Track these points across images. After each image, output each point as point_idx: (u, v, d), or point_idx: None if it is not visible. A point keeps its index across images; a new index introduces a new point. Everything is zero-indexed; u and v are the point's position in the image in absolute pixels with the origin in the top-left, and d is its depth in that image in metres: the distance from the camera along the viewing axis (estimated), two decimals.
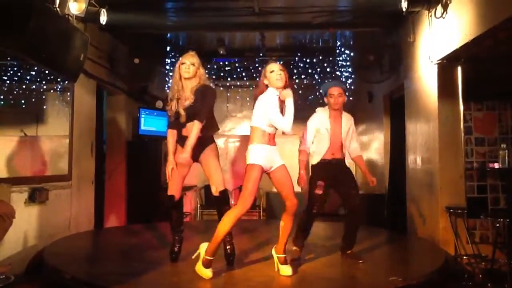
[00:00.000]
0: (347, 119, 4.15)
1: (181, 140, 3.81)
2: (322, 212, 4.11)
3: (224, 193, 3.82)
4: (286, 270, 3.44)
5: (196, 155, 3.79)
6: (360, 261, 3.90)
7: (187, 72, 3.75)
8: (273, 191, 7.34)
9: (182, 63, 3.78)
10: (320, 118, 4.10)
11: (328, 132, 4.04)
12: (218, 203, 3.85)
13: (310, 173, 4.18)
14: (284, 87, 3.48)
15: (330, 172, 4.02)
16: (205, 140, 3.80)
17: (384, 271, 3.78)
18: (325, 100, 4.13)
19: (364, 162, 4.36)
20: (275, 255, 3.54)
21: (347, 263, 3.93)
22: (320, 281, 3.46)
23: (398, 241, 5.43)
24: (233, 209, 3.41)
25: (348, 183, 4.05)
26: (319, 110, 4.17)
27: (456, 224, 4.71)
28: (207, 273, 3.32)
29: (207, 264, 3.33)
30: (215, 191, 3.81)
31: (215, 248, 3.35)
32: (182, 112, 3.75)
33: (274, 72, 3.45)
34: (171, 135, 3.93)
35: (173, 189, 3.88)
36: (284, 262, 3.48)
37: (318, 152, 4.09)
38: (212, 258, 3.34)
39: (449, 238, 4.75)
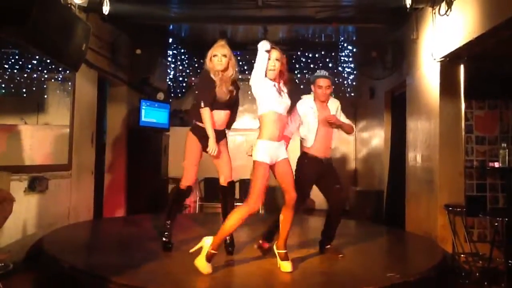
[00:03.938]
0: (333, 104, 4.08)
1: (200, 130, 3.83)
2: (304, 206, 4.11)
3: (232, 184, 3.89)
4: (286, 266, 3.42)
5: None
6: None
7: (220, 64, 3.75)
8: (272, 185, 7.34)
9: (214, 55, 3.76)
10: (308, 104, 4.02)
11: (316, 116, 3.95)
12: (225, 193, 3.93)
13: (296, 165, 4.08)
14: (280, 78, 3.45)
15: (317, 169, 3.96)
16: (223, 132, 3.90)
17: (381, 267, 3.79)
18: (312, 88, 4.07)
19: (349, 126, 4.14)
20: (275, 251, 3.52)
21: (345, 258, 3.93)
22: (319, 275, 3.47)
23: (396, 238, 5.45)
24: (242, 208, 3.34)
25: (332, 178, 4.01)
26: (306, 96, 4.11)
27: (454, 222, 4.72)
28: (207, 267, 3.27)
29: (210, 258, 3.29)
30: (223, 181, 3.88)
31: (220, 242, 3.35)
32: (228, 92, 3.80)
33: (271, 60, 3.37)
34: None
35: (190, 179, 3.91)
36: (285, 258, 3.46)
37: (307, 138, 4.00)
38: (216, 252, 3.30)
39: (447, 236, 4.76)
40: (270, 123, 3.34)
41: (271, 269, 3.47)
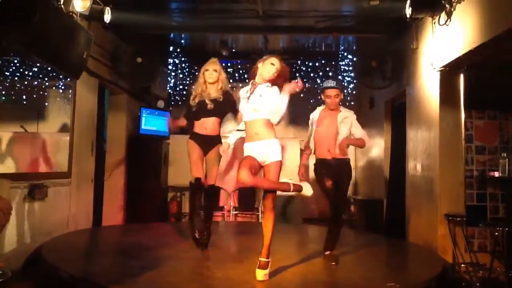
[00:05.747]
0: (343, 115, 4.20)
1: (195, 136, 4.28)
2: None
3: (212, 188, 4.28)
4: (258, 274, 3.31)
5: (206, 151, 4.26)
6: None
7: (211, 78, 4.25)
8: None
9: (206, 70, 4.26)
10: (314, 114, 4.32)
11: (314, 124, 4.25)
12: (205, 195, 4.30)
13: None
14: (276, 83, 3.47)
15: (328, 169, 4.09)
16: (216, 138, 4.27)
17: (382, 277, 3.77)
18: (322, 98, 4.28)
19: (359, 141, 4.27)
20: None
21: (345, 268, 3.92)
22: (318, 285, 3.45)
23: (396, 247, 5.42)
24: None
25: (338, 183, 4.08)
26: (318, 108, 4.38)
27: (454, 232, 4.71)
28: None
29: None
30: (206, 183, 4.26)
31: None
32: (209, 102, 4.21)
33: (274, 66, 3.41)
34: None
35: (198, 172, 4.22)
36: (262, 266, 3.32)
37: (312, 144, 4.27)
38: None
39: (448, 245, 4.74)
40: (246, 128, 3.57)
41: (271, 278, 3.44)
